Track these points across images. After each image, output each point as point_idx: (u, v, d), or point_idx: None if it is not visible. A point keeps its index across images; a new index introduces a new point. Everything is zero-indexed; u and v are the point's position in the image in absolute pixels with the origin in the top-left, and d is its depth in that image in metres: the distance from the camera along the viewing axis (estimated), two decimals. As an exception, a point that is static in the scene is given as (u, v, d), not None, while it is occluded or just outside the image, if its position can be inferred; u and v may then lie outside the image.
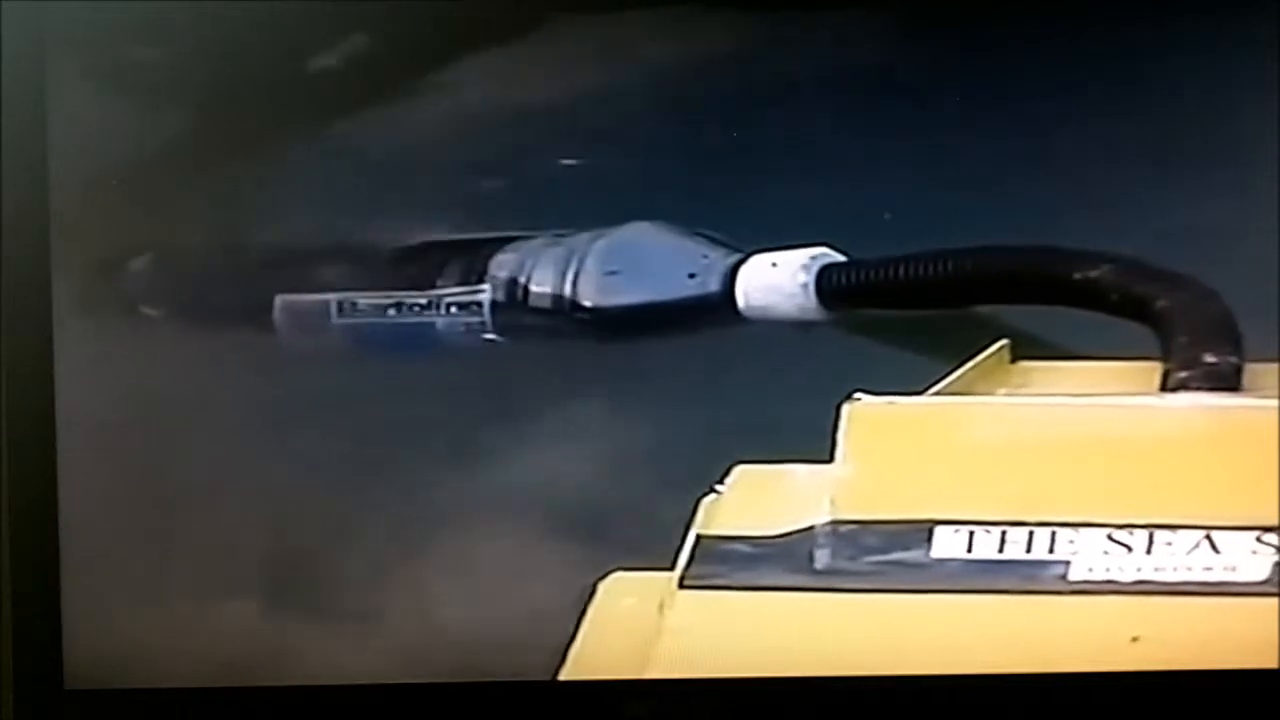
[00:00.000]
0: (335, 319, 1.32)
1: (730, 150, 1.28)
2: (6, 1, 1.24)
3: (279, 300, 1.32)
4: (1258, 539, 1.07)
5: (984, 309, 1.26)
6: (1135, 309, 1.20)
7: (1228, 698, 1.09)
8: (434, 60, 1.29)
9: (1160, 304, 1.19)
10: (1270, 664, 1.04)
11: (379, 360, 1.31)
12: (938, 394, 1.18)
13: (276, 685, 1.22)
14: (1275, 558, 1.06)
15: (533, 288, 1.31)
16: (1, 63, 1.24)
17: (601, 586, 1.17)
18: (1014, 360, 1.24)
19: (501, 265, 1.32)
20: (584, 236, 1.31)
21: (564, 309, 1.30)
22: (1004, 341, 1.24)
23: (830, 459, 1.15)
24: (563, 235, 1.31)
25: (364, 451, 1.26)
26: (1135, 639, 1.05)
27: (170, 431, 1.28)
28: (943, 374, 1.20)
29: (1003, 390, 1.21)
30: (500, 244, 1.32)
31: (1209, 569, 1.07)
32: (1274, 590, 1.05)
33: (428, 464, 1.25)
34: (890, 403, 1.15)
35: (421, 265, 1.33)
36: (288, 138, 1.30)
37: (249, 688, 1.23)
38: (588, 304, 1.30)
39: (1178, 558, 1.07)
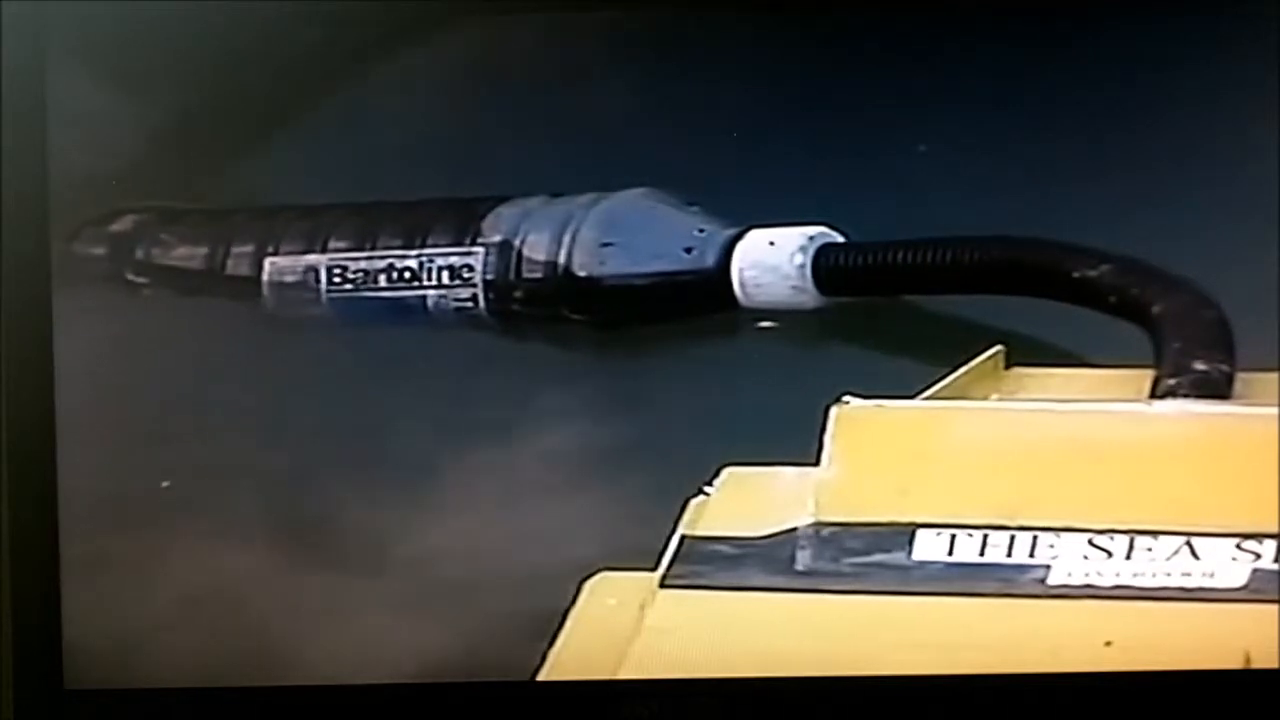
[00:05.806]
0: (325, 287, 1.32)
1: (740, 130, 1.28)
2: (7, 1, 1.25)
3: (267, 264, 1.32)
4: (1237, 546, 1.07)
5: (982, 313, 1.25)
6: (1132, 312, 1.19)
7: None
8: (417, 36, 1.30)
9: (1156, 309, 1.19)
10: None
11: (362, 351, 1.31)
12: (928, 398, 1.18)
13: (275, 685, 1.23)
14: (1253, 564, 1.06)
15: (526, 252, 1.29)
16: (2, 63, 1.25)
17: (587, 586, 1.17)
18: (1009, 366, 1.24)
19: (496, 226, 1.30)
20: (583, 199, 1.29)
21: (557, 276, 1.29)
22: (998, 347, 1.23)
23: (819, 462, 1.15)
24: (560, 197, 1.30)
25: (350, 450, 1.27)
26: (1108, 643, 1.05)
27: (170, 431, 1.28)
28: (937, 379, 1.20)
29: (995, 396, 1.20)
30: (495, 203, 1.31)
31: (1187, 575, 1.07)
32: (1250, 596, 1.05)
33: (413, 460, 1.25)
34: (877, 406, 1.15)
35: (413, 224, 1.31)
36: (288, 112, 1.31)
37: (248, 688, 1.23)
38: (581, 273, 1.29)
39: (1157, 563, 1.07)
